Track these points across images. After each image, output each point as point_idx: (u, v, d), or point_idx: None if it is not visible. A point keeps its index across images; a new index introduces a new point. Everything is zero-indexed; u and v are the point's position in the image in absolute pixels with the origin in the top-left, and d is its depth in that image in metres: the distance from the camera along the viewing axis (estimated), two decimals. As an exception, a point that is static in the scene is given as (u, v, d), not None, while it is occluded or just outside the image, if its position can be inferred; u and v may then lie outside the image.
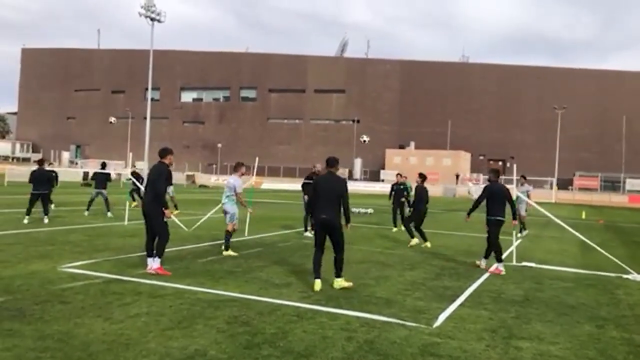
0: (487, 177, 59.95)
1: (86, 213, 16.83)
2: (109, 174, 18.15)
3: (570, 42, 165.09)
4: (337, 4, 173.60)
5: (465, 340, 5.33)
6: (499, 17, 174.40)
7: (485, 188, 9.88)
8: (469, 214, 9.99)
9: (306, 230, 13.73)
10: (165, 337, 4.97)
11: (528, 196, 14.68)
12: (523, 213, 15.59)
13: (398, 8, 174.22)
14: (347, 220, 7.56)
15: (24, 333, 4.92)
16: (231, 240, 10.20)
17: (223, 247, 10.06)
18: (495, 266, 9.50)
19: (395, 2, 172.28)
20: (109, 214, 16.65)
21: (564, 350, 5.19)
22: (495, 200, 9.64)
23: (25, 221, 13.84)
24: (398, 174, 17.14)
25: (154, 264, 7.90)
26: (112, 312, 5.71)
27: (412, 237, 12.64)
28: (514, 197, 11.91)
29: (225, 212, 10.14)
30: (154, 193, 8.02)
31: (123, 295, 6.49)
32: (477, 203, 9.84)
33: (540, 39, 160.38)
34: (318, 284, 7.26)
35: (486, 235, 9.84)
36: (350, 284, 7.47)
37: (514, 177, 12.42)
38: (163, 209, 8.02)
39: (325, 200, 7.37)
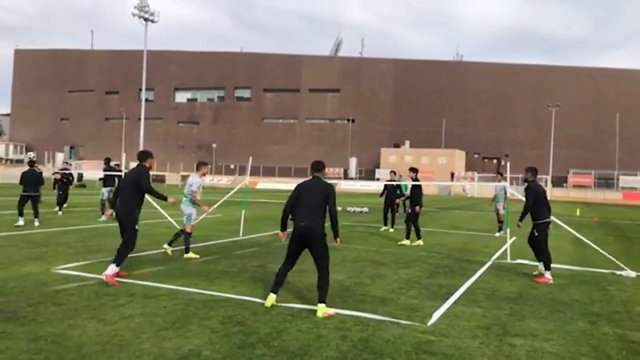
0: (481, 175, 59.18)
1: (104, 216, 15.85)
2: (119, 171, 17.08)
3: (564, 41, 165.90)
4: (332, 4, 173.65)
5: (459, 337, 5.35)
6: (493, 16, 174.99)
7: (529, 189, 9.02)
8: (520, 220, 9.09)
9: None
10: (159, 338, 4.97)
11: (506, 193, 14.57)
12: (502, 211, 15.33)
13: (393, 7, 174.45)
14: (335, 235, 6.38)
15: (17, 335, 4.90)
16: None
17: (184, 249, 9.66)
18: (546, 274, 8.74)
19: (390, 2, 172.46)
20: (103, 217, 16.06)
21: (557, 346, 5.21)
22: (543, 201, 9.00)
23: (21, 222, 13.70)
24: (392, 171, 16.79)
25: (107, 270, 7.20)
26: (106, 313, 5.70)
27: (409, 237, 12.64)
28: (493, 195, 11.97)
29: (181, 212, 9.88)
30: (135, 199, 7.68)
31: (117, 296, 6.47)
32: (527, 207, 8.94)
33: (534, 37, 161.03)
34: (272, 299, 6.25)
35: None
36: (333, 313, 6.04)
37: (508, 175, 12.44)
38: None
39: (307, 208, 6.27)
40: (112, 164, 17.09)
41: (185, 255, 9.56)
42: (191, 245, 9.80)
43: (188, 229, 9.71)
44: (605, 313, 6.61)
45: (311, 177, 6.65)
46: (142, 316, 5.66)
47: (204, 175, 10.04)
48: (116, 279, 7.24)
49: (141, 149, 55.77)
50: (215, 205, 14.80)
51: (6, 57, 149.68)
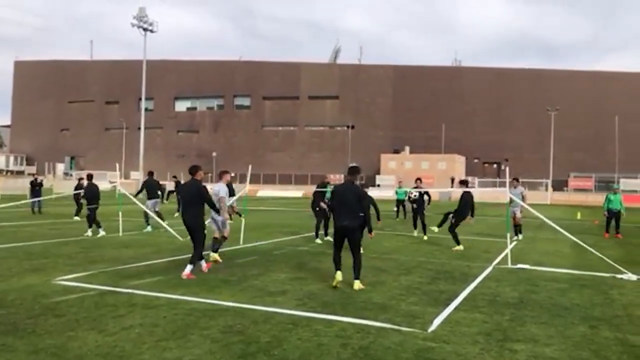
0: (481, 180, 59.21)
1: (149, 228, 15.88)
2: (158, 183, 17.13)
3: (563, 44, 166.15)
4: (330, 11, 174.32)
5: (460, 344, 5.34)
6: (491, 21, 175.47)
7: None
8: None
9: (317, 237, 13.92)
10: (159, 349, 4.96)
11: (523, 198, 14.64)
12: (519, 215, 15.53)
13: (391, 14, 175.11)
14: (369, 230, 8.34)
15: (17, 347, 4.90)
16: (230, 248, 10.21)
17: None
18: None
19: (388, 8, 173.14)
20: (149, 228, 15.86)
21: (558, 351, 5.20)
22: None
23: (91, 234, 14.41)
24: (418, 179, 16.93)
25: (186, 269, 8.50)
26: (106, 324, 5.70)
27: (458, 243, 12.86)
28: (507, 200, 11.97)
29: (215, 220, 10.26)
30: (198, 208, 8.78)
31: (117, 307, 6.46)
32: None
33: (533, 41, 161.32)
34: (339, 275, 7.89)
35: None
36: (363, 287, 7.86)
37: (507, 180, 12.42)
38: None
39: (345, 208, 7.90)
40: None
41: (212, 255, 10.07)
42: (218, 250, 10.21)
43: (217, 235, 10.24)
44: (606, 317, 6.59)
45: (345, 180, 8.34)
46: (142, 326, 5.65)
47: (227, 181, 10.59)
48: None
49: (141, 158, 55.62)
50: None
51: (6, 69, 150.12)
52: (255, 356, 4.82)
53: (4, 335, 5.25)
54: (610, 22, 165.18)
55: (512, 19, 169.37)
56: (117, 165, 17.71)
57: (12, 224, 17.51)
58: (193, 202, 8.81)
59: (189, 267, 8.51)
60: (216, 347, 5.03)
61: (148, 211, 15.59)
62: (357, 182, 8.33)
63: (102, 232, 14.44)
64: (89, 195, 14.82)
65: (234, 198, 14.61)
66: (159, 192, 16.83)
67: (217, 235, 10.19)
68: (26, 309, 6.27)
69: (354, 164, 8.45)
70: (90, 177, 15.50)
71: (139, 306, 6.51)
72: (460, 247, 12.77)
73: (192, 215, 8.79)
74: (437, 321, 6.14)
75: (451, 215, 13.08)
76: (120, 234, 14.57)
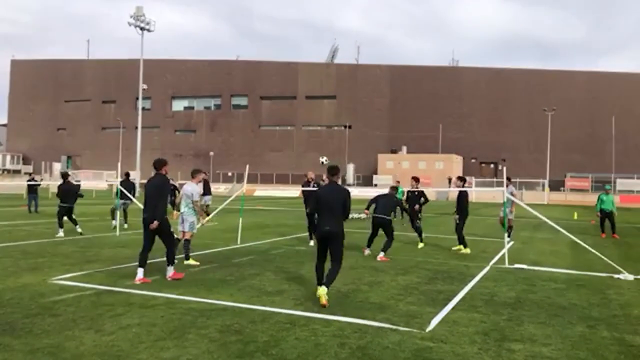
0: (478, 180, 59.26)
1: (114, 223, 16.00)
2: (133, 184, 17.35)
3: (560, 45, 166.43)
4: (328, 11, 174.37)
5: (457, 344, 5.34)
6: (488, 21, 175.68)
7: None
8: None
9: (311, 239, 13.50)
10: (156, 348, 4.95)
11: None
12: (510, 216, 15.27)
13: (388, 14, 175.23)
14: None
15: (14, 347, 4.87)
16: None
17: (184, 256, 9.73)
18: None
19: (385, 8, 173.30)
20: (125, 225, 16.29)
21: (556, 351, 5.20)
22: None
23: (61, 234, 13.82)
24: (414, 178, 15.08)
25: (169, 272, 8.23)
26: (103, 324, 5.68)
27: (465, 245, 12.47)
28: (504, 200, 11.96)
29: (182, 220, 9.74)
30: (163, 206, 8.24)
31: (114, 306, 6.45)
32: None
33: (530, 41, 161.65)
34: (322, 290, 6.86)
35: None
36: (325, 303, 6.69)
37: (504, 180, 12.42)
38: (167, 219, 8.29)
39: (329, 211, 7.12)
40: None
41: (185, 262, 9.61)
42: (190, 253, 9.83)
43: (188, 236, 9.76)
44: (603, 317, 6.60)
45: (328, 181, 7.48)
46: (140, 326, 5.63)
47: (200, 182, 10.16)
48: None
49: (138, 157, 55.54)
50: (213, 214, 14.94)
51: (3, 68, 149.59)
52: (253, 356, 4.81)
53: (0, 335, 5.23)
54: (607, 23, 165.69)
55: (509, 19, 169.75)
56: (119, 165, 17.73)
57: (9, 223, 17.45)
58: (158, 198, 8.24)
59: (170, 268, 8.21)
60: (214, 347, 5.02)
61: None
62: (340, 181, 7.48)
63: (60, 233, 13.90)
64: (63, 193, 14.47)
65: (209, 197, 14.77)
66: (133, 193, 16.88)
67: (180, 236, 9.67)
68: (23, 309, 6.24)
69: (333, 163, 7.60)
70: (65, 175, 15.16)
71: (136, 306, 6.49)
72: (467, 251, 12.32)
73: (157, 212, 8.15)
74: (435, 321, 6.14)
75: (456, 217, 12.86)
76: (118, 233, 14.53)
